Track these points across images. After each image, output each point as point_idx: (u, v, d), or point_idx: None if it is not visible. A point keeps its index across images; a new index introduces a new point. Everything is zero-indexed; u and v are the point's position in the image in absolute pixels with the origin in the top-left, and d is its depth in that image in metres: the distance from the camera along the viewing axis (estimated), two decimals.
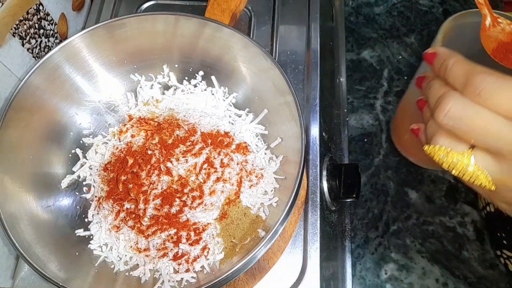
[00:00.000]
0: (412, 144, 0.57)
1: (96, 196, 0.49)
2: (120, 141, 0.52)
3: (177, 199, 0.46)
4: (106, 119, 0.54)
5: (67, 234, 0.47)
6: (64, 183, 0.50)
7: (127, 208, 0.47)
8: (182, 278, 0.44)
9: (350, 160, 0.65)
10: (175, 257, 0.45)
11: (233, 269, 0.38)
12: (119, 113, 0.55)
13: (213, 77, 0.54)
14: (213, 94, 0.54)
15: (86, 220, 0.49)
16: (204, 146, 0.49)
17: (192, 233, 0.45)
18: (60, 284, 0.39)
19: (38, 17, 0.53)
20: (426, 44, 0.72)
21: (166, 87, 0.56)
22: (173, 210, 0.46)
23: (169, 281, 0.43)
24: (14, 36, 0.49)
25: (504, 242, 0.55)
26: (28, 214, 0.45)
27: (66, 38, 0.55)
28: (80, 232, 0.48)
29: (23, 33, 0.50)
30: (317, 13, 0.62)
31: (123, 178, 0.48)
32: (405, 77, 0.70)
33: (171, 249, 0.45)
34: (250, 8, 0.63)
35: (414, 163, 0.62)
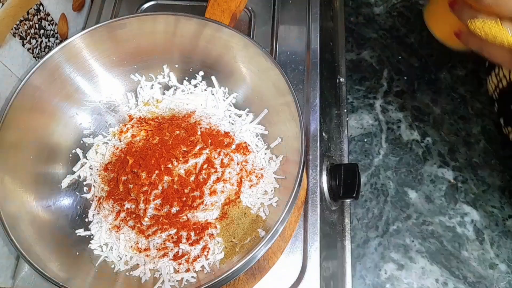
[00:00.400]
0: (448, 25, 0.57)
1: (96, 196, 0.50)
2: (120, 141, 0.52)
3: (177, 199, 0.46)
4: (107, 119, 0.54)
5: (68, 234, 0.47)
6: (65, 183, 0.50)
7: (127, 208, 0.47)
8: (182, 278, 0.44)
9: (350, 160, 0.65)
10: (175, 257, 0.45)
11: (233, 268, 0.38)
12: (119, 113, 0.55)
13: (213, 77, 0.54)
14: (213, 94, 0.54)
15: (86, 220, 0.49)
16: (204, 146, 0.49)
17: (192, 233, 0.45)
18: (61, 284, 0.39)
19: (39, 17, 0.53)
20: (426, 44, 0.72)
21: (167, 87, 0.56)
22: (174, 210, 0.46)
23: (169, 280, 0.43)
24: (14, 36, 0.49)
25: None
26: (28, 214, 0.45)
27: (66, 38, 0.55)
28: (81, 232, 0.48)
29: (24, 33, 0.51)
30: (317, 13, 0.62)
31: (123, 178, 0.48)
32: (405, 77, 0.70)
33: (171, 249, 0.45)
34: (250, 8, 0.63)
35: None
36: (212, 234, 0.46)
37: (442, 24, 0.53)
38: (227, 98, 0.54)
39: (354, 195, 0.50)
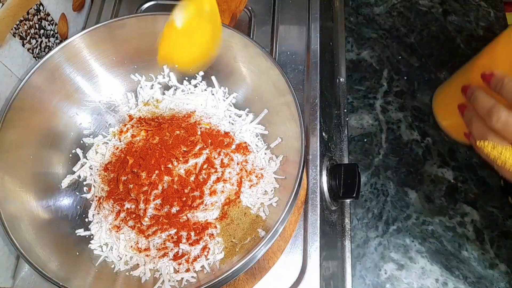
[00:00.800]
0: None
1: (96, 196, 0.50)
2: (120, 141, 0.52)
3: (177, 199, 0.46)
4: (107, 119, 0.54)
5: (68, 234, 0.47)
6: (65, 183, 0.50)
7: (127, 208, 0.47)
8: (182, 278, 0.44)
9: (350, 160, 0.65)
10: (175, 257, 0.45)
11: (233, 268, 0.38)
12: (119, 113, 0.55)
13: (213, 77, 0.54)
14: (213, 94, 0.54)
15: (86, 220, 0.49)
16: (204, 146, 0.49)
17: (192, 233, 0.45)
18: (61, 283, 0.39)
19: (39, 17, 0.53)
20: (426, 44, 0.72)
21: (167, 87, 0.56)
22: (174, 210, 0.46)
23: (169, 280, 0.43)
24: (14, 36, 0.49)
25: None
26: (28, 214, 0.45)
27: (66, 38, 0.55)
28: (81, 232, 0.48)
29: (24, 33, 0.51)
30: (317, 13, 0.62)
31: (123, 178, 0.48)
32: (405, 77, 0.70)
33: (171, 249, 0.45)
34: (250, 8, 0.63)
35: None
36: (212, 234, 0.46)
37: (450, 117, 0.54)
38: (227, 98, 0.54)
39: (354, 195, 0.50)
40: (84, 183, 0.51)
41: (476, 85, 0.45)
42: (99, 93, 0.54)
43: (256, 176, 0.48)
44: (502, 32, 0.47)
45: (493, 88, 0.42)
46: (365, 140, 0.66)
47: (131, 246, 0.46)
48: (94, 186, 0.50)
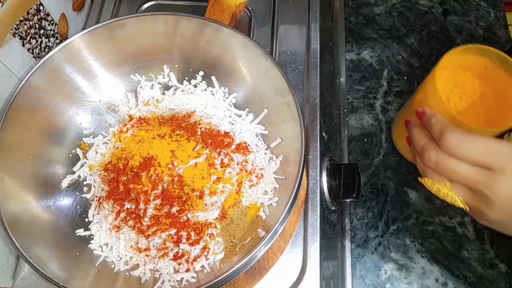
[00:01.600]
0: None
1: (96, 196, 0.50)
2: (120, 141, 0.52)
3: (177, 199, 0.46)
4: (107, 119, 0.54)
5: (68, 234, 0.47)
6: (65, 183, 0.50)
7: (127, 208, 0.47)
8: (182, 278, 0.44)
9: (350, 160, 0.65)
10: (175, 257, 0.45)
11: (233, 268, 0.38)
12: (119, 113, 0.55)
13: (213, 77, 0.54)
14: (213, 94, 0.54)
15: (86, 220, 0.49)
16: (204, 146, 0.49)
17: (192, 233, 0.45)
18: (61, 284, 0.39)
19: (39, 17, 0.53)
20: (426, 44, 0.72)
21: (167, 87, 0.56)
22: (174, 210, 0.46)
23: (169, 280, 0.43)
24: (14, 36, 0.49)
25: None
26: (28, 214, 0.45)
27: (66, 38, 0.55)
28: (81, 232, 0.48)
29: (24, 33, 0.51)
30: (317, 13, 0.62)
31: (123, 178, 0.48)
32: (405, 77, 0.70)
33: (172, 249, 0.45)
34: (250, 8, 0.63)
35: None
36: (212, 234, 0.46)
37: (403, 141, 0.55)
38: (227, 98, 0.54)
39: (354, 195, 0.50)
40: (84, 183, 0.51)
41: (415, 120, 0.46)
42: (99, 93, 0.54)
43: (256, 176, 0.48)
44: (434, 67, 0.47)
45: (425, 125, 0.43)
46: (365, 140, 0.66)
47: (131, 246, 0.46)
48: (94, 186, 0.50)
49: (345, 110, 0.68)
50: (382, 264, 0.58)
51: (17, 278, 0.48)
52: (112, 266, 0.46)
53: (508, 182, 0.35)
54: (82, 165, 0.51)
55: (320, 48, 0.59)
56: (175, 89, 0.55)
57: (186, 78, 0.55)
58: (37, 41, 0.53)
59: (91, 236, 0.48)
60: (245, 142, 0.50)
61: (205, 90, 0.54)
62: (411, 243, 0.59)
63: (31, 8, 0.51)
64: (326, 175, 0.52)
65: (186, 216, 0.46)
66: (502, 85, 0.47)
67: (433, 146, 0.40)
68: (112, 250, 0.47)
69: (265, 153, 0.50)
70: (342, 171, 0.51)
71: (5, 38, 0.47)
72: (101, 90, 0.54)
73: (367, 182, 0.63)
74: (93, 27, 0.49)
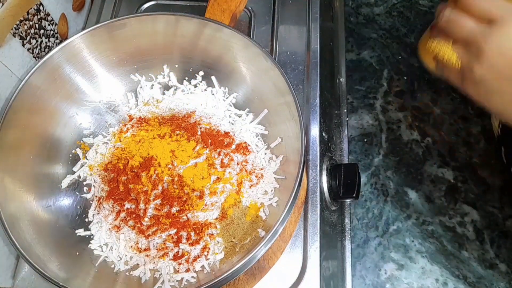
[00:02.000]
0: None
1: (96, 196, 0.50)
2: (120, 141, 0.52)
3: (177, 199, 0.46)
4: (107, 119, 0.54)
5: (68, 234, 0.47)
6: (65, 183, 0.50)
7: (127, 208, 0.47)
8: (182, 278, 0.44)
9: (350, 160, 0.65)
10: (175, 257, 0.45)
11: (233, 269, 0.38)
12: (119, 113, 0.55)
13: (213, 77, 0.54)
14: (213, 94, 0.54)
15: (86, 220, 0.49)
16: (204, 146, 0.49)
17: (192, 233, 0.45)
18: (61, 284, 0.39)
19: (39, 17, 0.53)
20: None
21: (167, 87, 0.56)
22: (174, 210, 0.46)
23: (169, 280, 0.43)
24: (14, 36, 0.49)
25: None
26: (28, 214, 0.45)
27: (66, 38, 0.55)
28: (81, 232, 0.48)
29: (24, 33, 0.51)
30: (317, 13, 0.62)
31: (123, 178, 0.48)
32: (405, 77, 0.70)
33: (172, 249, 0.45)
34: (250, 8, 0.63)
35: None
36: (212, 234, 0.46)
37: (428, 53, 0.56)
38: (227, 98, 0.54)
39: (354, 195, 0.50)
40: (84, 183, 0.51)
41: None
42: (99, 93, 0.54)
43: (256, 176, 0.48)
44: None
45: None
46: (365, 140, 0.66)
47: (131, 246, 0.46)
48: (94, 186, 0.50)
49: (345, 110, 0.68)
50: (382, 264, 0.58)
51: (17, 278, 0.48)
52: (112, 266, 0.46)
53: (504, 34, 0.36)
54: (82, 165, 0.51)
55: (320, 48, 0.59)
56: (175, 89, 0.55)
57: (186, 78, 0.55)
58: (37, 41, 0.53)
59: (91, 236, 0.48)
60: (245, 142, 0.50)
61: (205, 90, 0.54)
62: (411, 243, 0.59)
63: (31, 8, 0.51)
64: (326, 175, 0.52)
65: (186, 216, 0.46)
66: None
67: (451, 6, 0.41)
68: (112, 250, 0.47)
69: (265, 153, 0.50)
70: (342, 171, 0.51)
71: (5, 38, 0.47)
72: (101, 90, 0.54)
73: (367, 182, 0.63)
74: (93, 27, 0.49)
